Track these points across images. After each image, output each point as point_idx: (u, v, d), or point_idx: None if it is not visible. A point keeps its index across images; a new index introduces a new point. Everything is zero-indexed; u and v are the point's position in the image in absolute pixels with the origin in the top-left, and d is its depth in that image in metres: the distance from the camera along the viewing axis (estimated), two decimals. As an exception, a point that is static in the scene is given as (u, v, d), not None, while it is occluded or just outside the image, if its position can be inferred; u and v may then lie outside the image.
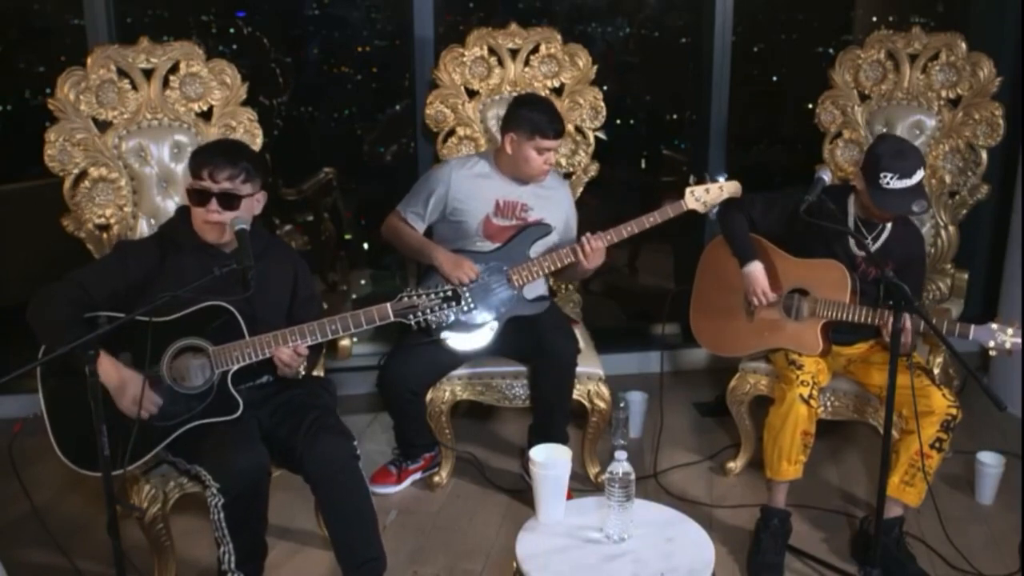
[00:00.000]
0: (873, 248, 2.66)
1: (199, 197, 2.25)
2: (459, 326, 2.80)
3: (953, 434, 2.52)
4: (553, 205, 2.95)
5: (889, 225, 2.68)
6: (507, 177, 2.90)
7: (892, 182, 2.48)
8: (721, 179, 2.91)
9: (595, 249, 2.78)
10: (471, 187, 2.88)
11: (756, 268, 2.75)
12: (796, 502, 2.79)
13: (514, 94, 3.26)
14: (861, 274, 2.67)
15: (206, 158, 2.27)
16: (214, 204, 2.24)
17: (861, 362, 2.77)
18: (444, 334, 2.78)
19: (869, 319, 2.57)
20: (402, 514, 2.91)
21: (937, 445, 2.50)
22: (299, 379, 2.40)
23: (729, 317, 2.90)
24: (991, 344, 2.43)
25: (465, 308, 2.76)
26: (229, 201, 2.25)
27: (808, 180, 2.62)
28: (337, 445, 2.28)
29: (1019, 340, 2.40)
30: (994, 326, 2.43)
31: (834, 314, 2.63)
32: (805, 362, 2.67)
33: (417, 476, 3.06)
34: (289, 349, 2.24)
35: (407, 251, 2.95)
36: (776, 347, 2.80)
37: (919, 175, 2.50)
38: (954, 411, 2.50)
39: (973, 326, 2.45)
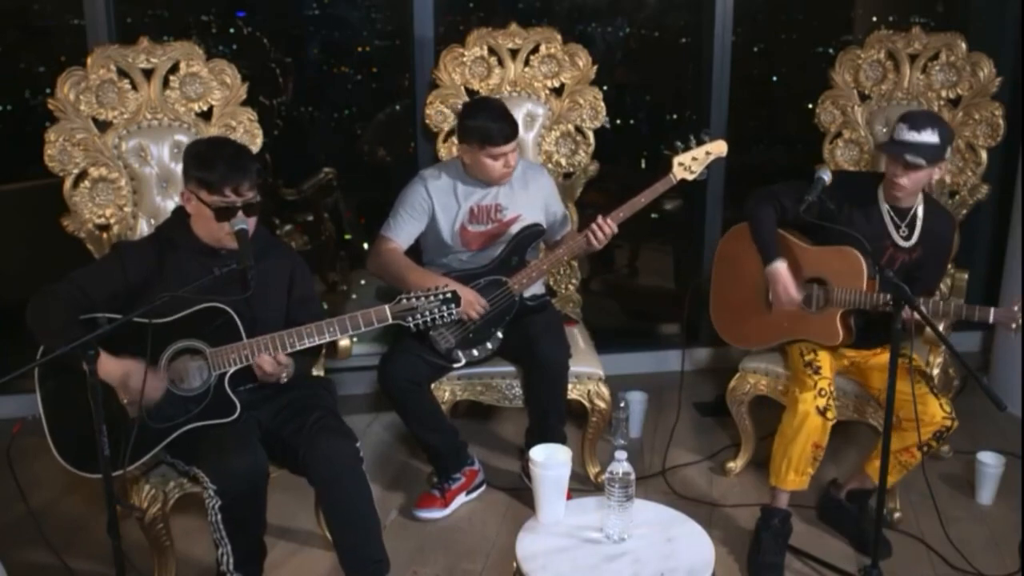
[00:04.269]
0: (913, 238, 2.65)
1: (226, 213, 2.22)
2: (467, 343, 2.80)
3: (943, 442, 2.55)
4: (528, 196, 2.92)
5: (920, 210, 2.66)
6: (477, 182, 2.87)
7: (902, 133, 2.52)
8: (706, 139, 2.84)
9: (607, 235, 2.77)
10: (444, 197, 2.86)
11: (780, 267, 2.68)
12: (796, 502, 2.78)
13: (513, 94, 3.27)
14: (889, 258, 2.65)
15: (226, 175, 2.19)
16: (240, 216, 2.23)
17: (862, 363, 2.77)
18: (457, 359, 2.78)
19: (887, 306, 2.52)
20: (402, 514, 2.91)
21: (924, 449, 2.52)
22: (297, 380, 2.38)
23: (748, 310, 2.87)
24: (1013, 326, 2.41)
25: (472, 327, 2.78)
26: (252, 209, 2.25)
27: (809, 180, 2.62)
28: (340, 447, 2.27)
29: None
30: (1015, 307, 2.41)
31: (852, 301, 2.61)
32: (822, 364, 2.65)
33: (464, 497, 2.94)
34: (270, 358, 2.21)
35: (401, 282, 2.73)
36: (797, 338, 2.77)
37: (928, 135, 2.49)
38: (948, 423, 2.50)
39: (993, 308, 2.44)
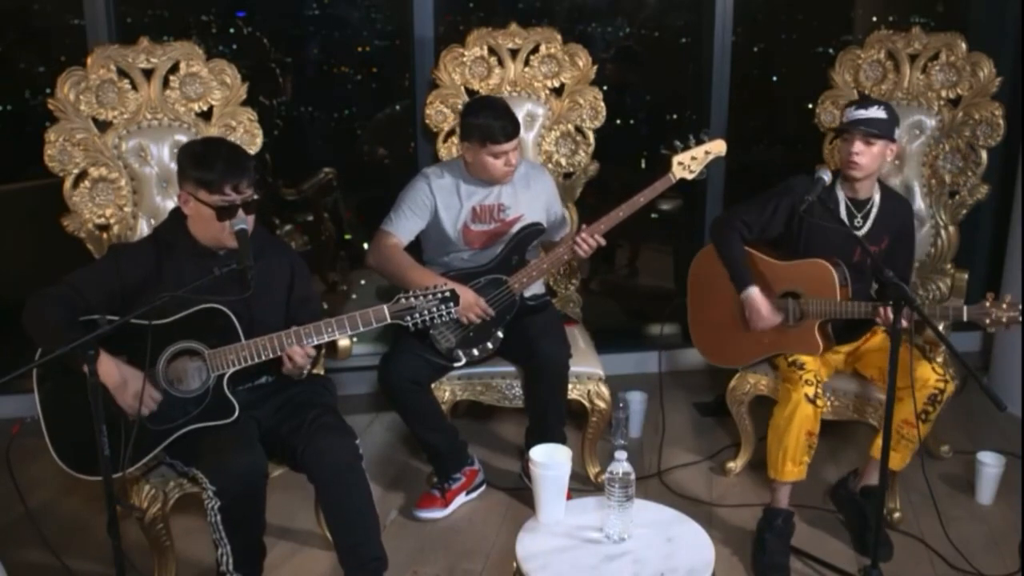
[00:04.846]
0: (866, 225, 2.72)
1: (226, 212, 2.21)
2: (467, 343, 2.80)
3: (941, 407, 2.55)
4: (530, 197, 2.93)
5: (877, 199, 2.74)
6: (479, 181, 2.87)
7: (852, 113, 2.67)
8: (705, 139, 2.85)
9: (592, 247, 2.78)
10: (447, 196, 2.86)
11: (753, 293, 2.73)
12: (796, 502, 2.78)
13: (513, 94, 3.27)
14: (860, 257, 2.69)
15: (225, 173, 2.19)
16: (241, 214, 2.22)
17: (855, 352, 2.79)
18: (457, 359, 2.78)
19: (864, 313, 2.57)
20: (402, 514, 2.91)
21: (923, 416, 2.53)
22: (299, 378, 2.38)
23: (727, 329, 2.89)
24: (987, 321, 2.42)
25: (472, 326, 2.78)
26: (251, 207, 2.25)
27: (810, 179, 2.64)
28: (340, 444, 2.27)
29: (1015, 314, 2.39)
30: (987, 303, 2.43)
31: (828, 312, 2.64)
32: (806, 361, 2.68)
33: (464, 497, 2.94)
34: (301, 349, 2.22)
35: (400, 279, 2.75)
36: (777, 353, 2.80)
37: (876, 111, 2.63)
38: (942, 384, 2.52)
39: (966, 306, 2.46)
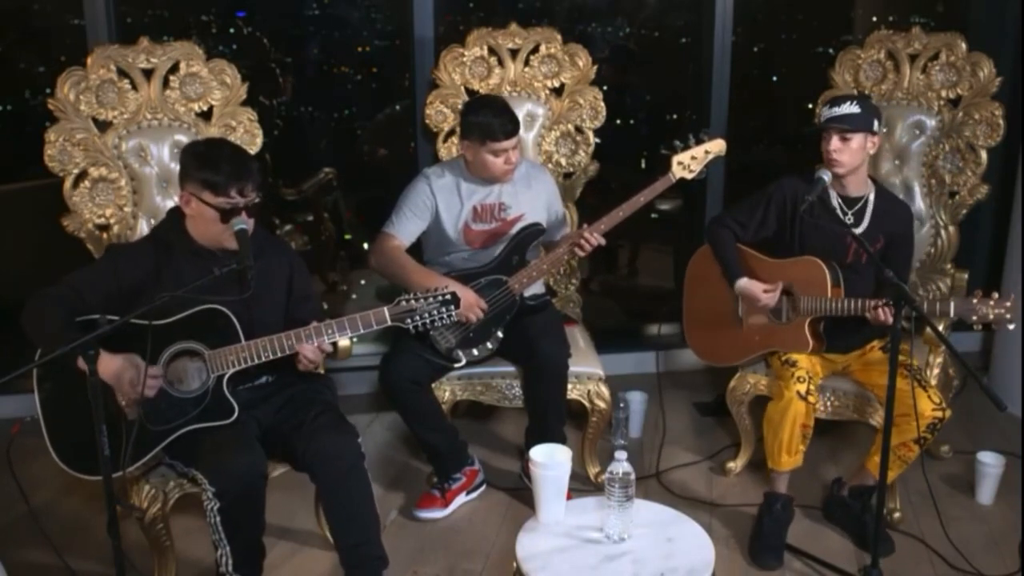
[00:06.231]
0: (861, 225, 2.71)
1: (230, 214, 2.21)
2: (467, 343, 2.80)
3: (938, 434, 2.56)
4: (531, 196, 2.93)
5: (871, 198, 2.74)
6: (480, 180, 2.87)
7: (826, 112, 2.70)
8: (705, 138, 2.86)
9: (592, 246, 2.78)
10: (448, 196, 2.86)
11: (745, 283, 2.77)
12: (799, 503, 2.79)
13: (513, 94, 3.27)
14: (854, 257, 2.69)
15: (231, 176, 2.19)
16: (244, 216, 2.22)
17: (858, 362, 2.78)
18: (457, 359, 2.78)
19: (856, 310, 2.57)
20: (402, 514, 2.91)
21: (921, 442, 2.55)
22: (299, 377, 2.39)
23: (721, 328, 2.91)
24: (973, 318, 2.42)
25: (472, 326, 2.78)
26: (252, 209, 2.25)
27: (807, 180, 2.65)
28: (342, 443, 2.27)
29: (1002, 311, 2.38)
30: (975, 300, 2.42)
31: (819, 309, 2.65)
32: (799, 359, 2.69)
33: (464, 497, 2.94)
34: (313, 345, 2.22)
35: (403, 281, 2.74)
36: (770, 350, 2.81)
37: (848, 107, 2.65)
38: (940, 414, 2.52)
39: (952, 301, 2.46)
